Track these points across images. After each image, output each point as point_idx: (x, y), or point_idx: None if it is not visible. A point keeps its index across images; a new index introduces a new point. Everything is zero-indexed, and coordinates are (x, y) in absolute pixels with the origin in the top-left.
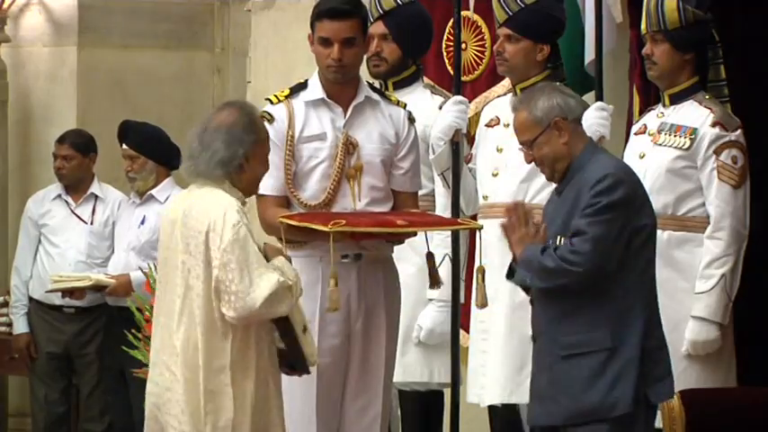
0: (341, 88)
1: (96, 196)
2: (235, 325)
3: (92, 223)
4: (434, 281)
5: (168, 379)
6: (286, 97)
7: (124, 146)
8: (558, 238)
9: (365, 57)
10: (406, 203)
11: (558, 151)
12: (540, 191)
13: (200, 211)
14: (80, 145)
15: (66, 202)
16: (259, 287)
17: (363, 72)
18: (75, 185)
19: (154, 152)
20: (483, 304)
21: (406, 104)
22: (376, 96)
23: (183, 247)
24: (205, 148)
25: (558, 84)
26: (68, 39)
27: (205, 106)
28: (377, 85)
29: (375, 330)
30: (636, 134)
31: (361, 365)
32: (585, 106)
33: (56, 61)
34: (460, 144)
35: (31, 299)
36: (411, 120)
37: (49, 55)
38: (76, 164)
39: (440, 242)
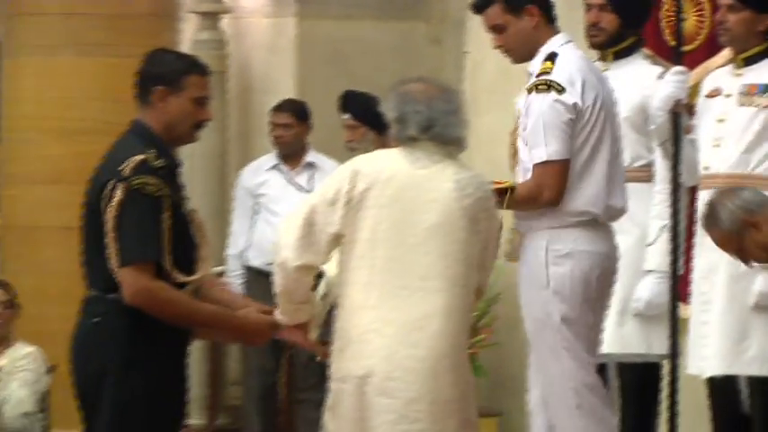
0: None
1: (313, 164)
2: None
3: (310, 191)
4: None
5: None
6: None
7: (346, 116)
8: None
9: (586, 26)
10: None
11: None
12: (762, 161)
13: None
14: (299, 113)
15: (283, 171)
16: None
17: (581, 42)
18: (292, 154)
19: (375, 122)
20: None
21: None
22: None
23: (463, 219)
24: (455, 112)
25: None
26: (288, 10)
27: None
28: (595, 55)
29: None
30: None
31: None
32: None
33: (275, 32)
34: (681, 114)
35: (248, 268)
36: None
37: (269, 26)
38: (294, 132)
39: (657, 213)
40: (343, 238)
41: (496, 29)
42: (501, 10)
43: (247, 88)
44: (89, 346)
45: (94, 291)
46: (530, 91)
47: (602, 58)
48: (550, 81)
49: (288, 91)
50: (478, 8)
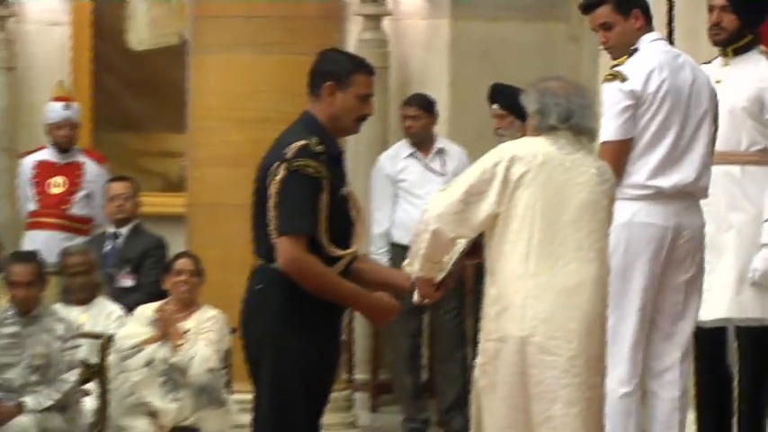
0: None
1: (443, 150)
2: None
3: (444, 174)
4: None
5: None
6: None
7: (494, 105)
8: None
9: (709, 26)
10: None
11: None
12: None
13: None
14: (425, 105)
15: (419, 158)
16: None
17: (704, 41)
18: (422, 142)
19: (521, 111)
20: None
21: None
22: None
23: (605, 200)
24: (589, 106)
25: None
26: (442, 12)
27: (562, 72)
28: (717, 51)
29: None
30: None
31: None
32: None
33: (431, 32)
34: None
35: (393, 244)
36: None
37: (425, 27)
38: (422, 123)
39: None
40: (499, 215)
41: (604, 26)
42: (611, 10)
43: (406, 82)
44: (253, 310)
45: (260, 260)
46: (603, 80)
47: (724, 55)
48: (617, 71)
49: (442, 85)
50: (588, 8)
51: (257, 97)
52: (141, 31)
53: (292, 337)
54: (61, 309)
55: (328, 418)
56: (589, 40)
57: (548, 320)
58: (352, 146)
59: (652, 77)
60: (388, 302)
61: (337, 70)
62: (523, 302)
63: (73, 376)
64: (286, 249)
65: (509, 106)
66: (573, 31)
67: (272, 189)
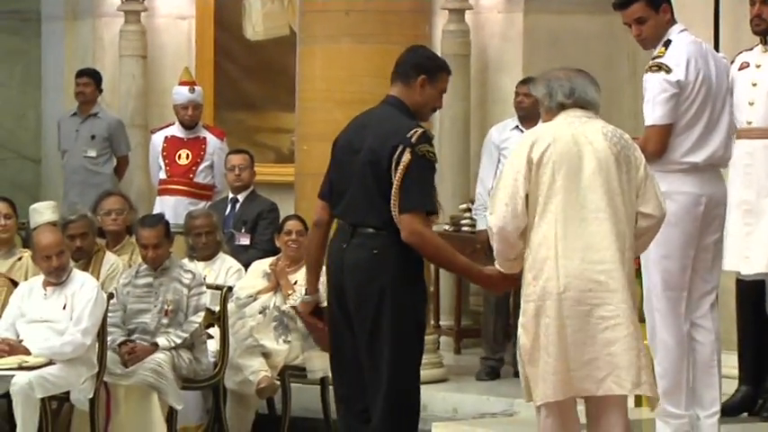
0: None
1: None
2: None
3: None
4: None
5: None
6: None
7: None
8: None
9: (751, 17)
10: None
11: None
12: None
13: (623, 136)
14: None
15: (522, 131)
16: None
17: (747, 31)
18: (529, 117)
19: None
20: None
21: None
22: None
23: (615, 163)
24: (591, 83)
25: None
26: (517, 6)
27: (621, 60)
28: (758, 40)
29: None
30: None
31: None
32: None
33: (507, 24)
34: None
35: None
36: None
37: (502, 19)
38: (532, 100)
39: None
40: (529, 195)
41: (638, 21)
42: (644, 5)
43: (485, 68)
44: (371, 271)
45: (368, 228)
46: (647, 71)
47: (763, 42)
48: (661, 63)
49: (516, 71)
50: (622, 5)
51: (355, 81)
52: (257, 24)
53: (408, 294)
54: (187, 263)
55: None
56: None
57: (579, 276)
58: (438, 122)
59: (690, 67)
60: (493, 276)
61: (430, 66)
62: (556, 263)
63: (198, 318)
64: (411, 223)
65: None
66: None
67: (399, 171)
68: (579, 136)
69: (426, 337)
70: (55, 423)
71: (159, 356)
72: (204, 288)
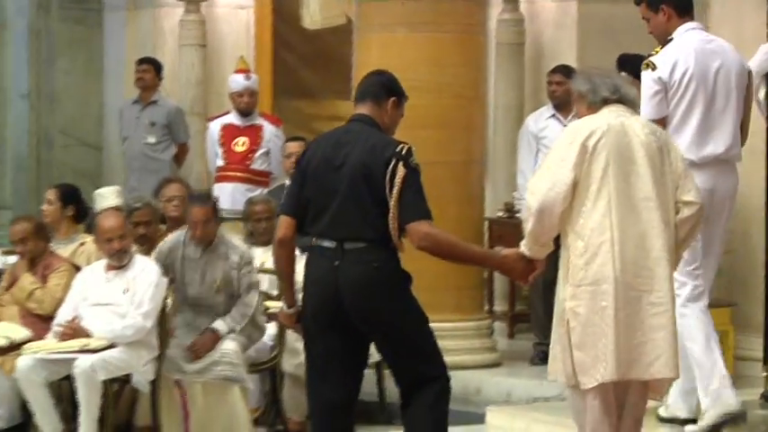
0: None
1: None
2: None
3: None
4: None
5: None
6: None
7: (622, 73)
8: None
9: None
10: None
11: None
12: None
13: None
14: (567, 72)
15: (559, 119)
16: None
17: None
18: (563, 105)
19: None
20: None
21: None
22: None
23: (660, 155)
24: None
25: None
26: None
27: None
28: None
29: None
30: None
31: None
32: None
33: (561, 12)
34: None
35: None
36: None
37: (556, 8)
38: (565, 88)
39: None
40: (577, 183)
41: (645, 19)
42: (644, 7)
43: (539, 56)
44: (375, 285)
45: (359, 242)
46: (641, 69)
47: None
48: (649, 61)
49: (570, 58)
50: (637, 2)
51: (410, 69)
52: (314, 13)
53: (410, 295)
54: (235, 241)
55: (473, 343)
56: (698, 19)
57: (633, 262)
58: (491, 110)
59: (677, 66)
60: (512, 261)
61: (399, 90)
62: (611, 248)
63: (253, 300)
64: (421, 229)
65: (636, 73)
66: (698, 10)
67: (396, 184)
68: (628, 127)
69: (479, 322)
70: (116, 405)
71: (230, 347)
72: (253, 266)
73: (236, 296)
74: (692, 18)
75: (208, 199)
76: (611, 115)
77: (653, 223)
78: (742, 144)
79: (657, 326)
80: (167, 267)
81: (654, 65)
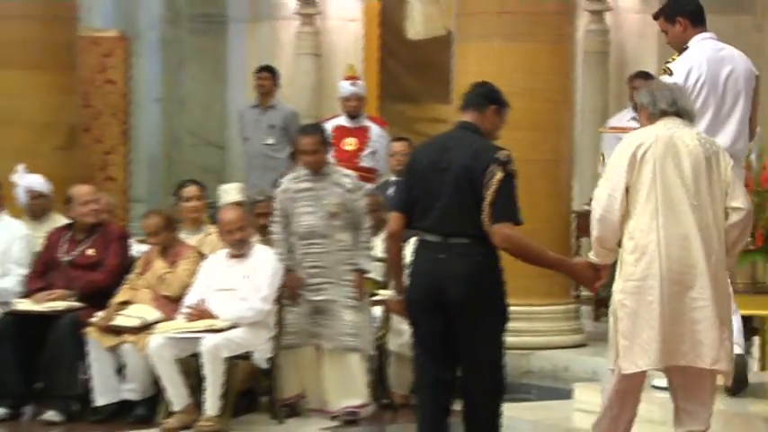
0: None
1: None
2: None
3: None
4: None
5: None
6: None
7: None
8: None
9: None
10: None
11: None
12: None
13: (713, 143)
14: (646, 77)
15: (639, 121)
16: None
17: None
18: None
19: None
20: None
21: None
22: None
23: (708, 165)
24: (687, 96)
25: None
26: (653, 7)
27: (749, 57)
28: None
29: None
30: None
31: None
32: None
33: (643, 23)
34: None
35: None
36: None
37: (638, 19)
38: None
39: None
40: (630, 188)
41: (664, 31)
42: (663, 20)
43: (622, 63)
44: (478, 276)
45: (463, 237)
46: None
47: None
48: (666, 67)
49: (652, 67)
50: (655, 17)
51: (506, 76)
52: (417, 25)
53: (503, 295)
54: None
55: (562, 325)
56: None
57: (677, 260)
58: (579, 113)
59: (691, 72)
60: (582, 269)
61: (499, 99)
62: (658, 248)
63: (368, 231)
64: (504, 231)
65: None
66: (758, 22)
67: (492, 186)
68: (677, 139)
69: (567, 306)
70: (233, 380)
71: (353, 318)
72: (364, 190)
73: (349, 225)
74: (704, 28)
75: (316, 129)
76: (664, 127)
77: (696, 225)
78: (750, 140)
79: (697, 319)
80: (284, 210)
81: (671, 71)
